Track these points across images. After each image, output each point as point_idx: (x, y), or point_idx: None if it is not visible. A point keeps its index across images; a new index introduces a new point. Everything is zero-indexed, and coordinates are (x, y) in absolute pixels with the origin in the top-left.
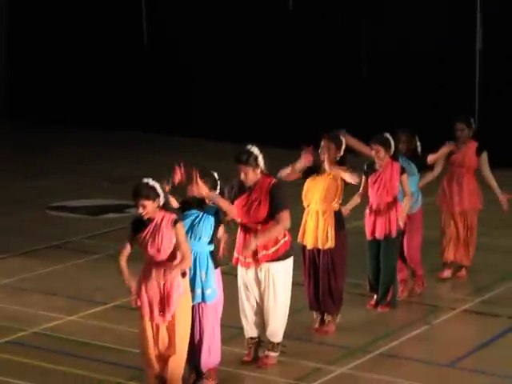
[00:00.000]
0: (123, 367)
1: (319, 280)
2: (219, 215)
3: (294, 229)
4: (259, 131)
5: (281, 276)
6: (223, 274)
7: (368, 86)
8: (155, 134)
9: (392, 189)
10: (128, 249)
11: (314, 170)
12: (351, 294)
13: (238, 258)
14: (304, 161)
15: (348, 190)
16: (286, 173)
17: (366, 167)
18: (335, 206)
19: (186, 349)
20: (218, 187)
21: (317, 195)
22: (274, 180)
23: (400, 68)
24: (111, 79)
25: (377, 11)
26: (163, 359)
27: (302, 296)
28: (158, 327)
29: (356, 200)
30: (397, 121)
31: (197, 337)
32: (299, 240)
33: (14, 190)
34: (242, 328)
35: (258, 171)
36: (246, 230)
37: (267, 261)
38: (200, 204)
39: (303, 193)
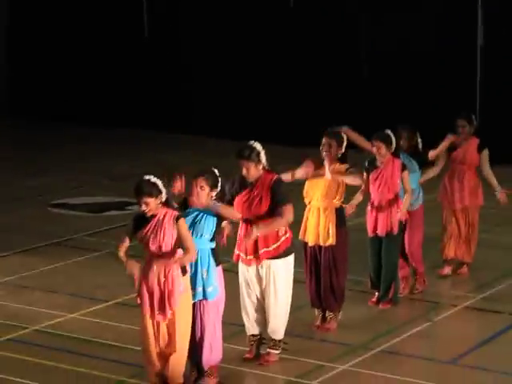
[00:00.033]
0: (125, 365)
1: (321, 277)
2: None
3: (296, 226)
4: (260, 128)
5: (282, 273)
6: (225, 271)
7: (369, 83)
8: (156, 131)
9: (393, 186)
10: (126, 243)
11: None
12: (353, 291)
13: (238, 255)
14: (304, 172)
15: (350, 187)
16: (285, 178)
17: (367, 164)
18: (336, 202)
19: (187, 346)
20: (219, 184)
21: (318, 192)
22: (275, 176)
23: (401, 65)
24: (112, 75)
25: (378, 9)
26: (164, 357)
27: (304, 293)
28: (158, 325)
29: (358, 197)
30: (398, 118)
31: (198, 334)
32: (300, 237)
33: (14, 188)
34: (243, 325)
35: (260, 167)
36: (247, 225)
37: (268, 258)
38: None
39: (304, 190)
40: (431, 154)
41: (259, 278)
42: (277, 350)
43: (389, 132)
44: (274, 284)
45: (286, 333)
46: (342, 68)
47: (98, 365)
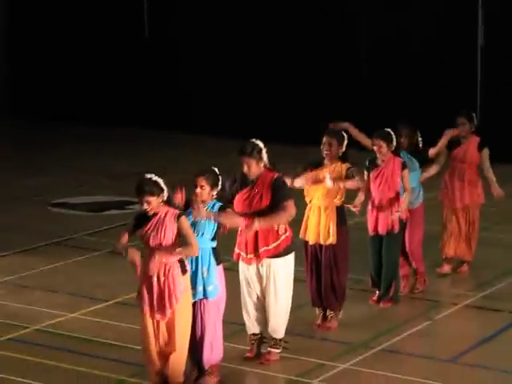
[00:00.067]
0: (125, 364)
1: (321, 276)
2: (222, 209)
3: (296, 225)
4: (260, 127)
5: (282, 272)
6: (225, 270)
7: (369, 82)
8: (155, 130)
9: (394, 184)
10: (126, 237)
11: (317, 165)
12: (353, 290)
13: (239, 254)
14: (303, 182)
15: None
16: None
17: (367, 163)
18: (337, 201)
19: (187, 345)
20: (220, 183)
21: (319, 191)
22: (276, 174)
23: (402, 64)
24: (111, 75)
25: (378, 8)
26: (164, 356)
27: (304, 292)
28: (158, 324)
29: (360, 197)
30: (398, 116)
31: (199, 333)
32: (301, 236)
33: (13, 188)
34: (244, 324)
35: (262, 165)
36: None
37: (268, 256)
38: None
39: (305, 188)
40: (431, 151)
41: (259, 277)
42: (277, 348)
43: (389, 130)
44: (275, 283)
45: (287, 332)
46: (342, 67)
47: (99, 364)
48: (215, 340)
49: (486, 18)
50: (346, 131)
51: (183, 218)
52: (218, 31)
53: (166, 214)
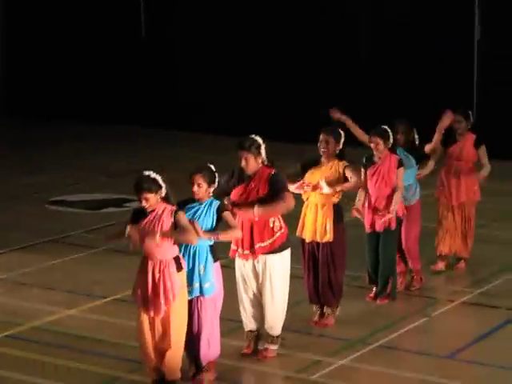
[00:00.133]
0: (123, 361)
1: (319, 273)
2: (221, 208)
3: (293, 222)
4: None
5: (278, 268)
6: (223, 267)
7: (367, 80)
8: (153, 127)
9: (390, 181)
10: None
11: (314, 163)
12: (350, 287)
13: (235, 250)
14: (299, 190)
15: None
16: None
17: (364, 160)
18: (334, 199)
19: (183, 342)
20: (217, 180)
21: (317, 190)
22: (274, 170)
23: (399, 61)
24: (109, 73)
25: (378, 7)
26: (160, 352)
27: (301, 289)
28: (154, 320)
29: (361, 195)
30: (395, 114)
31: (196, 330)
32: (298, 233)
33: (10, 186)
34: (241, 321)
35: (260, 161)
36: (244, 221)
37: (263, 253)
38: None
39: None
40: (427, 147)
41: (255, 274)
42: (274, 345)
43: (386, 128)
44: (271, 279)
45: (284, 328)
46: (341, 65)
47: (96, 361)
48: (212, 337)
49: (482, 16)
50: (344, 126)
51: (180, 213)
52: (215, 28)
53: (163, 211)
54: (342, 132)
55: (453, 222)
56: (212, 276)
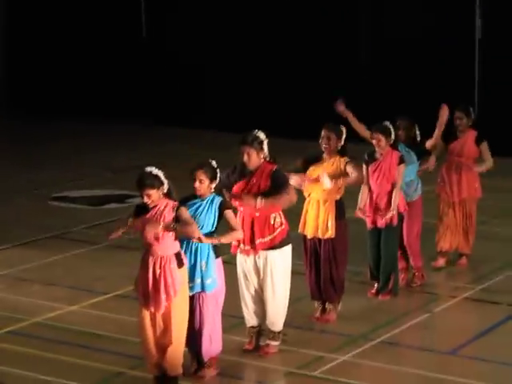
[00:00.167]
0: (124, 356)
1: (321, 269)
2: (222, 205)
3: (295, 218)
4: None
5: (279, 264)
6: (224, 263)
7: (368, 76)
8: (154, 124)
9: (392, 178)
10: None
11: (315, 159)
12: (352, 283)
13: (236, 246)
14: (298, 182)
15: None
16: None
17: (366, 157)
18: (336, 195)
19: (184, 338)
20: (218, 176)
21: (317, 185)
22: (275, 166)
23: (400, 57)
24: (110, 71)
25: (378, 4)
26: (162, 348)
27: (303, 285)
28: (155, 316)
29: (365, 193)
30: (396, 110)
31: (197, 326)
32: (300, 230)
33: (12, 182)
34: (243, 317)
35: (262, 156)
36: (245, 216)
37: (264, 249)
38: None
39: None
40: (428, 143)
41: (257, 269)
42: (276, 341)
43: (388, 124)
44: (272, 275)
45: (286, 324)
46: (342, 61)
47: (98, 357)
48: (214, 333)
49: (483, 12)
50: (346, 121)
51: (182, 208)
52: (216, 27)
53: (165, 207)
54: (343, 128)
55: (453, 218)
56: (214, 272)
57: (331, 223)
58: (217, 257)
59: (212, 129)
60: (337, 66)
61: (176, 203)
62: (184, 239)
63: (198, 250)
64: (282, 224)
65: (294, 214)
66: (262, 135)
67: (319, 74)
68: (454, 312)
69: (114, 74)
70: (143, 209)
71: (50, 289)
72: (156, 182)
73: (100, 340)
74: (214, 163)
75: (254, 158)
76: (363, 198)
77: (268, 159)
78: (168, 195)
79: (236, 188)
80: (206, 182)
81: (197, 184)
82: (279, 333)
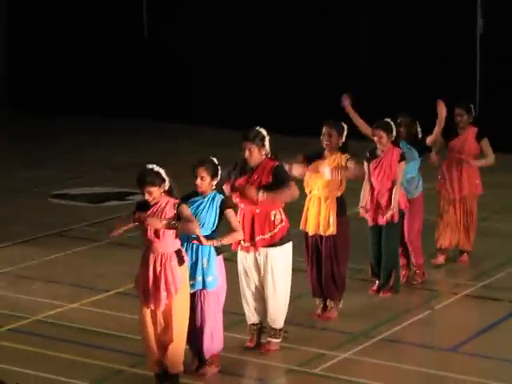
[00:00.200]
0: (125, 354)
1: (322, 266)
2: (224, 204)
3: (296, 215)
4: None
5: (279, 261)
6: (226, 260)
7: (369, 72)
8: (153, 121)
9: (392, 175)
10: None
11: (317, 156)
12: (353, 280)
13: (237, 243)
14: (301, 173)
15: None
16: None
17: (368, 154)
18: (337, 192)
19: (185, 335)
20: (219, 173)
21: (319, 182)
22: (277, 163)
23: (399, 56)
24: (110, 68)
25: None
26: (163, 345)
27: (304, 282)
28: (156, 313)
29: (366, 190)
30: (396, 110)
31: (199, 323)
32: (301, 227)
33: (12, 180)
34: (244, 314)
35: (263, 152)
36: (245, 213)
37: (264, 246)
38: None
39: (305, 179)
40: (428, 139)
41: (257, 266)
42: (277, 338)
43: (389, 120)
44: (272, 272)
45: (287, 322)
46: (342, 61)
47: (100, 354)
48: (215, 330)
49: (484, 8)
50: (347, 118)
51: (183, 205)
52: (217, 25)
53: (166, 204)
54: (344, 125)
55: (454, 215)
56: (215, 269)
57: (333, 220)
58: (218, 254)
59: (212, 126)
60: (337, 66)
61: (177, 200)
62: (185, 237)
63: (199, 247)
64: (282, 221)
65: (295, 211)
66: (263, 131)
67: (319, 74)
68: (455, 309)
69: (115, 71)
70: (144, 206)
71: (51, 286)
72: (157, 180)
73: (101, 338)
74: (215, 160)
75: (256, 155)
76: (365, 195)
77: (269, 156)
78: (169, 192)
79: (237, 184)
80: (208, 178)
81: (198, 181)
82: (280, 330)
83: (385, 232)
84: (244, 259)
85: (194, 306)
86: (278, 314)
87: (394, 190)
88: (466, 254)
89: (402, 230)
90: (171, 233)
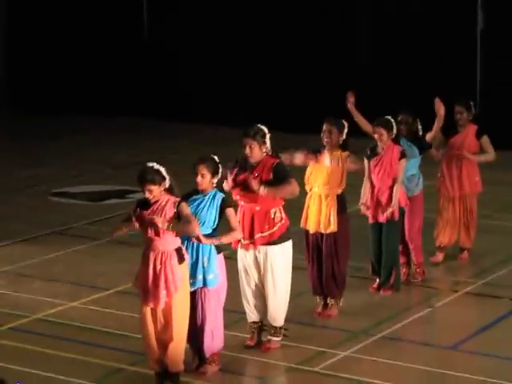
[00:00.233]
0: (126, 352)
1: (323, 264)
2: (224, 202)
3: (296, 213)
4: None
5: (279, 259)
6: (226, 258)
7: (369, 68)
8: (154, 119)
9: (393, 172)
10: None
11: (318, 153)
12: (354, 278)
13: (237, 241)
14: (302, 161)
15: (351, 175)
16: (284, 157)
17: (368, 151)
18: (338, 189)
19: (185, 334)
20: (220, 171)
21: (320, 179)
22: (278, 160)
23: (401, 50)
24: (110, 68)
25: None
26: (163, 344)
27: (304, 280)
28: (156, 312)
29: (367, 187)
30: (396, 109)
31: (199, 322)
32: (302, 225)
33: (12, 178)
34: (244, 313)
35: (264, 150)
36: (245, 210)
37: (263, 243)
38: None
39: (306, 176)
40: (428, 136)
41: (257, 264)
42: (277, 337)
43: (389, 118)
44: (272, 271)
45: (287, 320)
46: (342, 61)
47: (100, 353)
48: (216, 328)
49: (485, 3)
50: (347, 115)
51: (183, 204)
52: (216, 25)
53: (166, 203)
54: (345, 122)
55: (453, 213)
56: (216, 267)
57: (333, 218)
58: (218, 252)
59: (212, 124)
60: (337, 66)
61: (177, 199)
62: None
63: (199, 245)
64: (282, 219)
65: (295, 209)
66: (264, 129)
67: (319, 73)
68: (455, 307)
69: (115, 71)
70: (144, 204)
71: (51, 285)
72: (157, 178)
73: (101, 336)
74: (216, 158)
75: (257, 151)
76: (365, 192)
77: (270, 153)
78: (170, 191)
79: (238, 181)
80: (208, 176)
81: (198, 178)
82: (280, 328)
83: (385, 230)
84: (244, 257)
85: (195, 305)
86: (278, 312)
87: (394, 188)
88: (466, 251)
89: (402, 228)
90: (172, 233)
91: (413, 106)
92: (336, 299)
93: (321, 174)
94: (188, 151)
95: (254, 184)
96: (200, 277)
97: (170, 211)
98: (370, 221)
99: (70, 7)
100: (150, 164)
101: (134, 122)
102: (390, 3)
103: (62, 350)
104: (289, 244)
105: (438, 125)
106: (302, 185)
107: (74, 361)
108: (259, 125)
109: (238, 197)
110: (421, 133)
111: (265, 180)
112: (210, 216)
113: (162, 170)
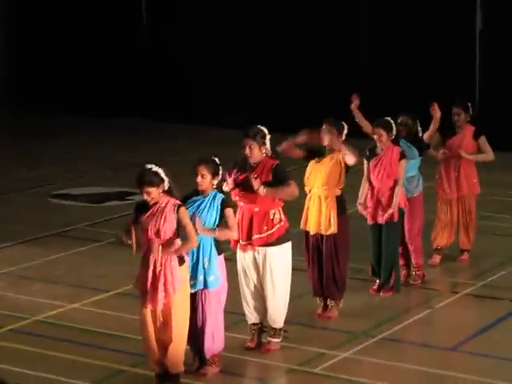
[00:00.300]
0: (126, 354)
1: (323, 266)
2: (224, 202)
3: (296, 215)
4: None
5: (278, 260)
6: (227, 260)
7: (369, 69)
8: (154, 120)
9: (393, 173)
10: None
11: (316, 153)
12: (354, 280)
13: (236, 242)
14: (304, 139)
15: (350, 175)
16: (286, 144)
17: (368, 152)
18: (337, 190)
19: (185, 336)
20: (220, 172)
21: (319, 180)
22: (277, 161)
23: (399, 56)
24: (111, 68)
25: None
26: (163, 345)
27: (304, 281)
28: (156, 313)
29: (365, 187)
30: (396, 110)
31: (200, 323)
32: (302, 226)
33: (12, 179)
34: (244, 314)
35: (264, 151)
36: (244, 211)
37: (261, 244)
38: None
39: (305, 177)
40: (425, 136)
41: (256, 266)
42: (277, 338)
43: (389, 119)
44: (271, 272)
45: (287, 321)
46: (342, 61)
47: (100, 354)
48: (216, 330)
49: (484, 3)
50: (347, 117)
51: (182, 209)
52: (216, 25)
53: (166, 205)
54: (344, 124)
55: (451, 215)
56: (216, 269)
57: (334, 219)
58: (219, 254)
59: (212, 125)
60: (337, 66)
61: (177, 201)
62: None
63: (200, 247)
64: (281, 220)
65: (294, 210)
66: (264, 129)
67: (319, 74)
68: (455, 308)
69: (115, 71)
70: (144, 206)
71: (52, 287)
72: (156, 180)
73: (101, 338)
74: (216, 159)
75: (256, 152)
76: (363, 192)
77: (270, 155)
78: (169, 192)
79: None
80: (208, 177)
81: (199, 179)
82: (280, 330)
83: (385, 231)
84: (243, 258)
85: (195, 306)
86: (277, 313)
87: (396, 189)
88: (466, 253)
89: (402, 229)
90: (172, 233)
91: (412, 106)
92: (336, 301)
93: (320, 175)
94: (188, 152)
95: (255, 183)
96: (201, 278)
97: (169, 214)
98: (369, 222)
99: (70, 7)
100: (149, 166)
101: (134, 123)
102: (390, 3)
103: (63, 352)
104: (288, 245)
105: (434, 127)
106: (301, 186)
107: (74, 362)
108: (259, 126)
109: (237, 198)
110: (420, 134)
111: (264, 181)
112: (211, 217)
113: (161, 171)
